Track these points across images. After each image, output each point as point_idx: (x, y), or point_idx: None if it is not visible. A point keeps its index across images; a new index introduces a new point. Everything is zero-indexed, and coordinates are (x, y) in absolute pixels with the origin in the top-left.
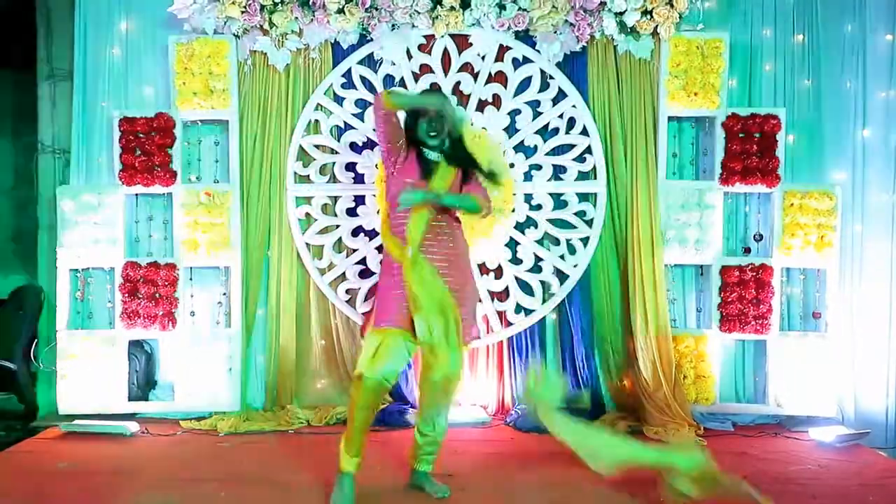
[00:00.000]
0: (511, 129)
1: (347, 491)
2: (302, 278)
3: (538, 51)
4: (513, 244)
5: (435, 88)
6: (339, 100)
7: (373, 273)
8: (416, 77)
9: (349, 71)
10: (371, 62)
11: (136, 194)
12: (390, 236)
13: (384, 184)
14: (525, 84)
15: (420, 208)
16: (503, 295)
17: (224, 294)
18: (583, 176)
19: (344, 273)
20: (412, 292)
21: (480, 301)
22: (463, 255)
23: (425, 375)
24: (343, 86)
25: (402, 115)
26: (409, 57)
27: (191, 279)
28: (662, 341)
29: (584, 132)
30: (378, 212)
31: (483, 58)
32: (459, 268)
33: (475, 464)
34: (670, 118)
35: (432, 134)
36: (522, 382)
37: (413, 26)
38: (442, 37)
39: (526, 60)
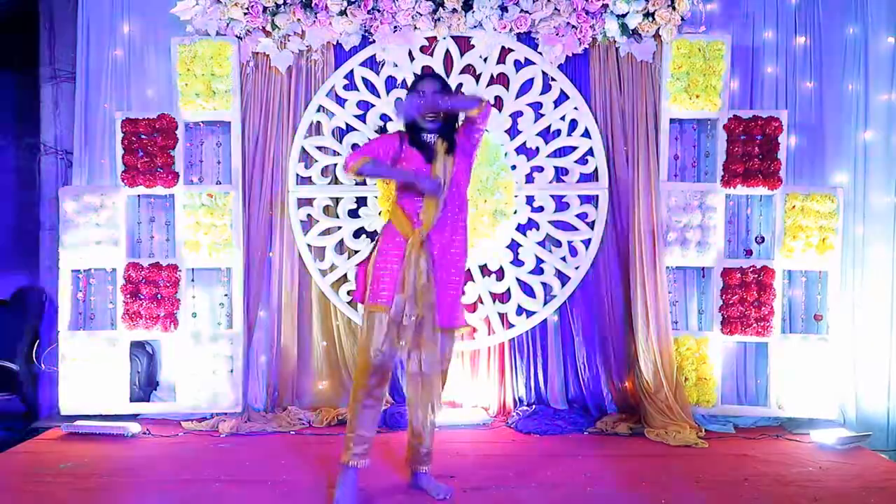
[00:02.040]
0: (513, 131)
1: (349, 487)
2: (303, 280)
3: (540, 53)
4: (514, 246)
5: (427, 72)
6: (340, 101)
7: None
8: None
9: (351, 72)
10: (373, 64)
11: (139, 195)
12: (402, 212)
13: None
14: (527, 86)
15: (433, 196)
16: (505, 296)
17: (226, 295)
18: (584, 178)
19: (346, 275)
20: (404, 272)
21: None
22: (464, 242)
23: (407, 368)
24: (345, 87)
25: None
26: (411, 59)
27: (192, 280)
28: (664, 343)
29: (586, 134)
30: (380, 213)
31: (485, 60)
32: (458, 256)
33: (476, 465)
34: (672, 120)
35: (430, 117)
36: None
37: (415, 28)
38: (444, 39)
39: (528, 62)
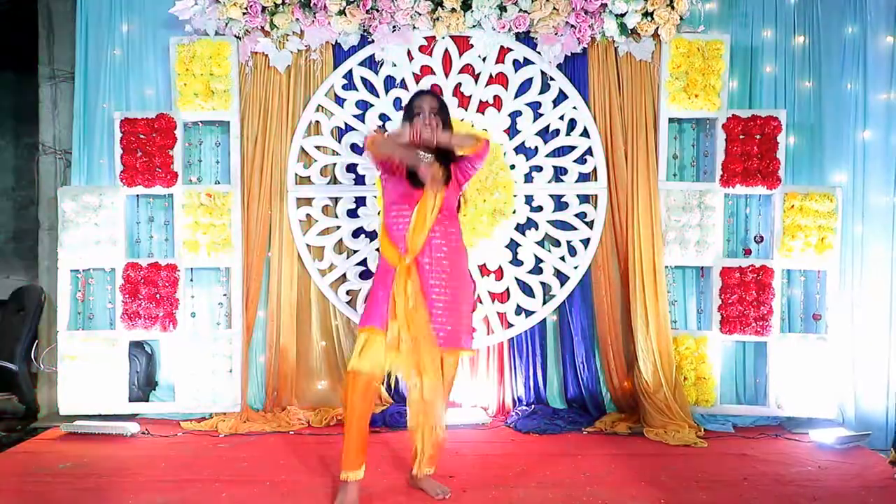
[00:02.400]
0: (512, 131)
1: (351, 497)
2: (302, 279)
3: (539, 52)
4: (513, 245)
5: (431, 90)
6: (339, 101)
7: (373, 275)
8: (417, 78)
9: (350, 72)
10: (372, 63)
11: (137, 195)
12: (388, 240)
13: (382, 188)
14: (526, 85)
15: (422, 217)
16: (504, 296)
17: (225, 295)
18: (583, 177)
19: (344, 274)
20: (394, 299)
21: (477, 305)
22: (460, 262)
23: (409, 395)
24: (344, 87)
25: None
26: (410, 58)
27: (191, 280)
28: (663, 343)
29: (585, 134)
30: (379, 213)
31: (484, 59)
32: (455, 276)
33: (476, 465)
34: (671, 120)
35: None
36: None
37: (414, 28)
38: (443, 38)
39: (527, 62)
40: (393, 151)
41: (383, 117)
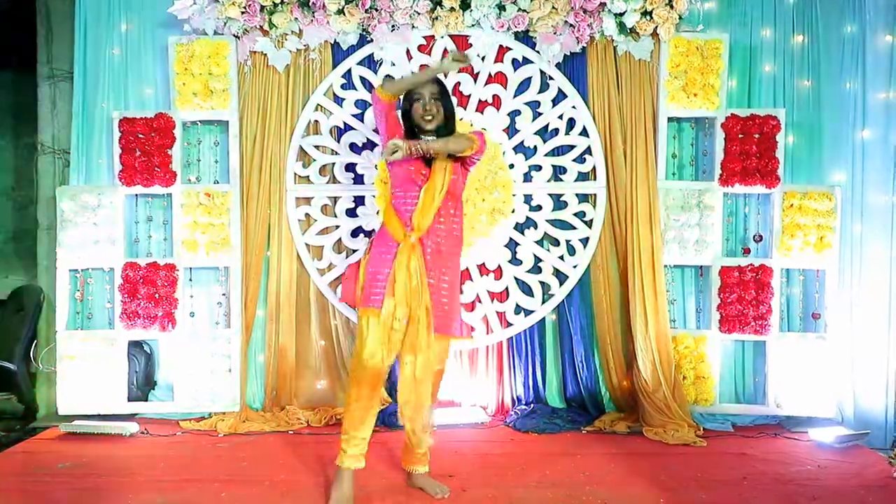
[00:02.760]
0: (511, 130)
1: (346, 488)
2: (301, 279)
3: (538, 51)
4: (512, 245)
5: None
6: (338, 100)
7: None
8: None
9: (349, 72)
10: (371, 63)
11: (136, 195)
12: (395, 216)
13: (387, 171)
14: (525, 85)
15: (430, 197)
16: (503, 295)
17: (223, 294)
18: (582, 176)
19: (344, 274)
20: (394, 275)
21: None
22: (456, 254)
23: (400, 372)
24: (343, 86)
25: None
26: (409, 57)
27: (190, 279)
28: (662, 342)
29: (584, 133)
30: (378, 213)
31: (483, 58)
32: (452, 262)
33: (475, 464)
34: (670, 119)
35: (427, 118)
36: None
37: (413, 27)
38: (442, 37)
39: (526, 61)
40: (403, 83)
41: None
